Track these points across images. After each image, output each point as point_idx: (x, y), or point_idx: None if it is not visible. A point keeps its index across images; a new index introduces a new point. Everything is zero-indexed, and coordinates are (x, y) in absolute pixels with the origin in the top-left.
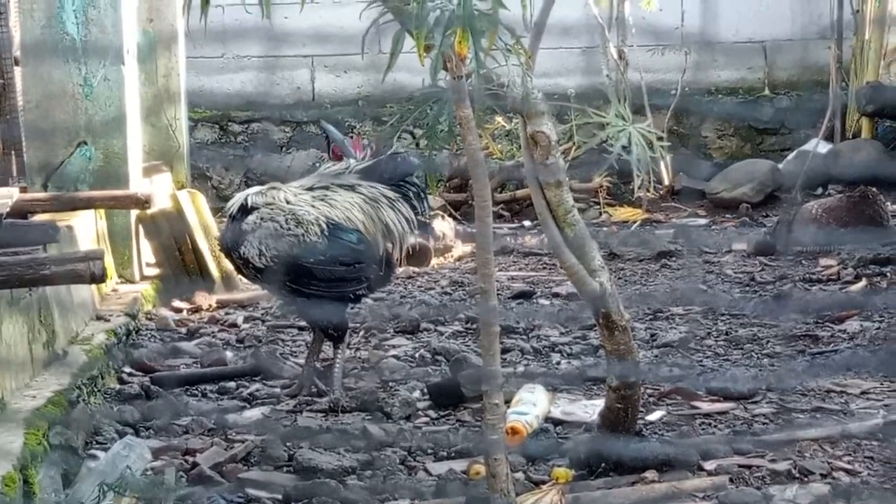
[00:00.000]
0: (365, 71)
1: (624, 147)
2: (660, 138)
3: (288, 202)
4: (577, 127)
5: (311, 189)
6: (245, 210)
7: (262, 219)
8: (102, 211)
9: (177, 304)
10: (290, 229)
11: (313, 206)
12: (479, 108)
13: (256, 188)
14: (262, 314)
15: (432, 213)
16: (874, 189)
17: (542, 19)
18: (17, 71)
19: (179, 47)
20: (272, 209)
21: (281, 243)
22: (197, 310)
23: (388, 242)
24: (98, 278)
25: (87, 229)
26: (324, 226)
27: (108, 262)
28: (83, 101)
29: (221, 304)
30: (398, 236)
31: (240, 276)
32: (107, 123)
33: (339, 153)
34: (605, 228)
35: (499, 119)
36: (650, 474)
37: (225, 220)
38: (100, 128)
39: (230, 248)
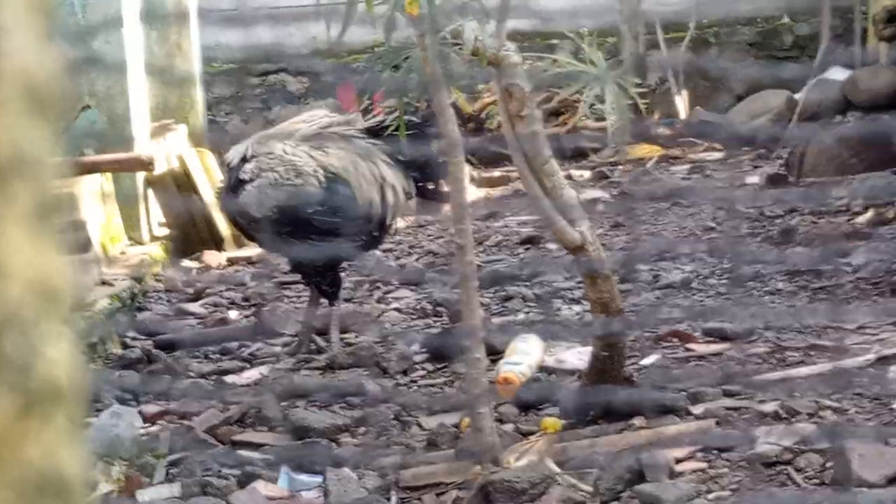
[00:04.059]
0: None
1: (597, 97)
2: (664, 80)
3: (285, 153)
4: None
5: (308, 138)
6: (244, 160)
7: (261, 169)
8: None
9: (186, 263)
10: (289, 179)
11: (311, 157)
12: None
13: (256, 137)
14: (271, 271)
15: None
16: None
17: None
18: None
19: (191, 1)
20: (271, 158)
21: (279, 192)
22: (206, 269)
23: (380, 199)
24: (83, 249)
25: (92, 193)
26: (321, 178)
27: (117, 224)
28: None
29: (231, 262)
30: (392, 195)
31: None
32: (109, 86)
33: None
34: (619, 167)
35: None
36: (638, 421)
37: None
38: (103, 90)
39: (228, 199)
